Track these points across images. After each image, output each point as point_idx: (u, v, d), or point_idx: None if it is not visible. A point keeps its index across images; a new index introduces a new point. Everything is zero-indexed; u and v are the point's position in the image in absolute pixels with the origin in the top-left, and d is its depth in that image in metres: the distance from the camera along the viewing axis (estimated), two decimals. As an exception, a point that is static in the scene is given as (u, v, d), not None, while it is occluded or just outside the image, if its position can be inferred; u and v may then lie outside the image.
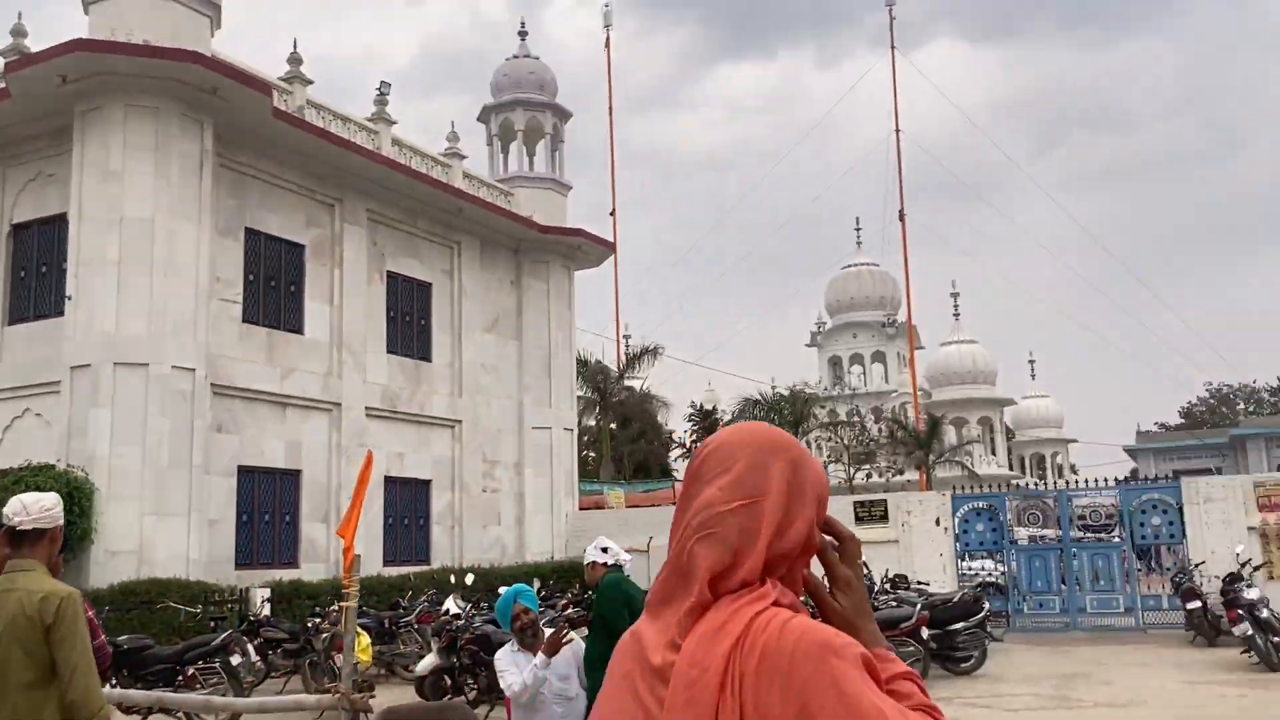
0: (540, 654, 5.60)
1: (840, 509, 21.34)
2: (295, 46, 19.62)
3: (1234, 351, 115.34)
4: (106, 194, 16.16)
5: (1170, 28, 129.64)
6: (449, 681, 12.05)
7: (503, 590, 5.97)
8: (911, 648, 13.01)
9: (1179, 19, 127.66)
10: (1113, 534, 18.85)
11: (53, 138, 17.36)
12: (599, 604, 5.91)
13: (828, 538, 1.42)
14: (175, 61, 16.01)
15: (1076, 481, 20.70)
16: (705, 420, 46.14)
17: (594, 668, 5.91)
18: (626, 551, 6.46)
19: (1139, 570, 18.62)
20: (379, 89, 21.51)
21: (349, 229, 20.24)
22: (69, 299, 16.23)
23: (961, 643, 13.83)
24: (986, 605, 14.38)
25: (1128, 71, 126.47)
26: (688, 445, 46.88)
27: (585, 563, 6.18)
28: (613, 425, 39.12)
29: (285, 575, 17.19)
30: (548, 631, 5.58)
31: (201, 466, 16.44)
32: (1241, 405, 70.51)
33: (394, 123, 21.42)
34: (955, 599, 14.63)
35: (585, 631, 6.81)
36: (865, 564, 16.84)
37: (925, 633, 13.08)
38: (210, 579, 15.82)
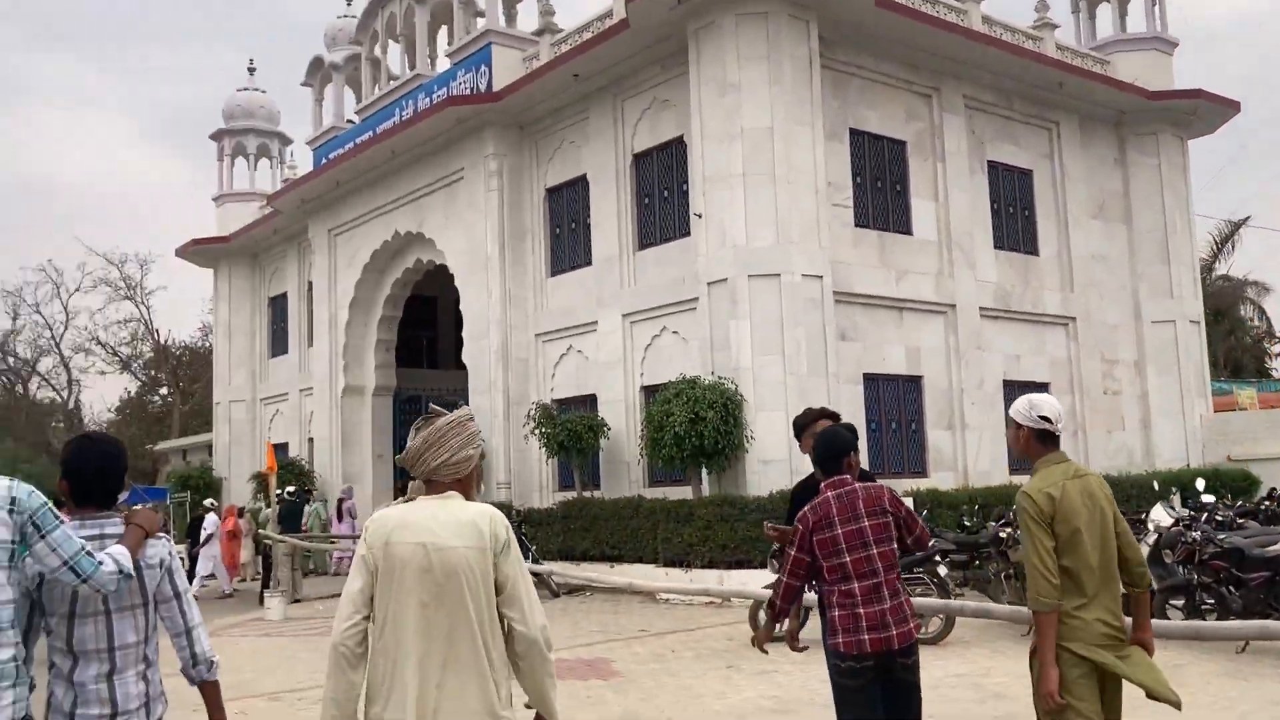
0: None
1: None
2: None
3: None
4: (724, 107, 16.18)
5: None
6: (1183, 601, 10.48)
7: None
8: None
9: None
10: None
11: (663, 64, 17.78)
12: None
13: None
14: (782, -39, 15.57)
15: None
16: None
17: None
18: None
19: None
20: (964, -37, 19.81)
21: (948, 119, 18.90)
22: (698, 216, 16.55)
23: None
24: None
25: None
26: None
27: None
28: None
29: (916, 484, 16.53)
30: None
31: (835, 375, 16.16)
32: None
33: (981, -1, 19.68)
34: None
35: None
36: None
37: None
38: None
